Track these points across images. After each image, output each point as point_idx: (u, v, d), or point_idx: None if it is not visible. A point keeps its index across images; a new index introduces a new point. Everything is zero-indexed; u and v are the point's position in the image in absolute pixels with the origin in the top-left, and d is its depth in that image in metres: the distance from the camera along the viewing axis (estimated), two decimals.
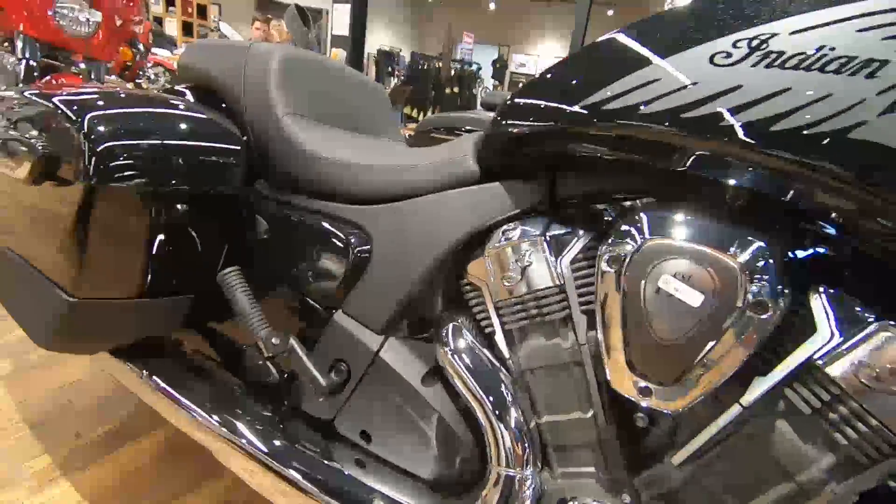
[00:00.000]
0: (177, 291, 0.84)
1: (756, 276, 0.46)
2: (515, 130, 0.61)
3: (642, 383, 0.52)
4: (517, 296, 0.64)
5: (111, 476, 1.08)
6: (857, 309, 0.47)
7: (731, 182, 0.48)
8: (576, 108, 0.55)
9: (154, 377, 0.84)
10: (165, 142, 0.73)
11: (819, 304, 0.48)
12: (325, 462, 0.75)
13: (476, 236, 0.69)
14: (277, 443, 0.77)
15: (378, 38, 14.25)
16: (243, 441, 0.78)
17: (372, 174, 0.76)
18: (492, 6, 15.17)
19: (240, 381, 0.89)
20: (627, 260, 0.51)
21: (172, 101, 0.84)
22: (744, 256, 0.46)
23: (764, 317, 0.46)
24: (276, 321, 0.80)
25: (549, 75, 0.60)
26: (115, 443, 1.17)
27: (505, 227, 0.67)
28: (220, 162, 0.80)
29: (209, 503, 1.05)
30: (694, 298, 0.47)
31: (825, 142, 0.41)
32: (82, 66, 2.32)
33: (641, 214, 0.52)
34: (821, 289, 0.49)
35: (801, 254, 0.52)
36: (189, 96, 0.95)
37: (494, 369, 0.67)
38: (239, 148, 0.82)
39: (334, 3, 6.09)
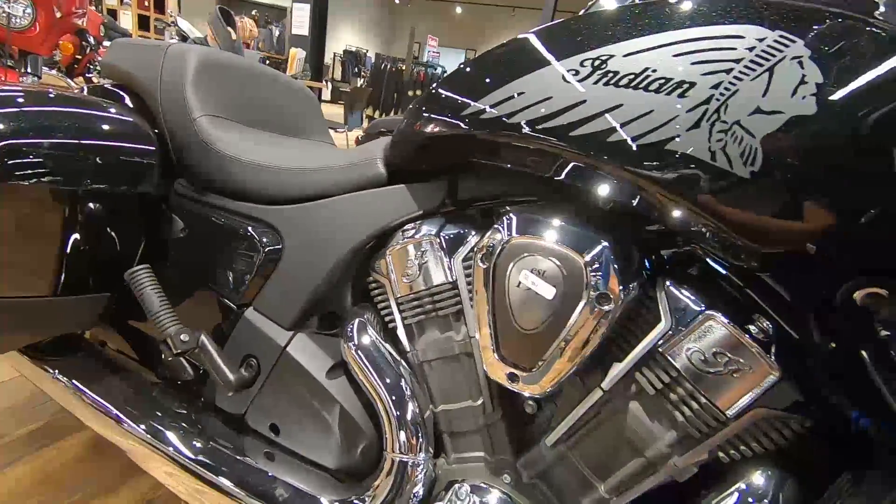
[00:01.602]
0: (91, 290, 0.84)
1: (600, 272, 0.51)
2: (419, 136, 0.65)
3: (509, 370, 0.57)
4: (415, 292, 0.68)
5: (31, 476, 1.06)
6: (692, 301, 0.53)
7: (587, 188, 0.53)
8: (460, 117, 0.59)
9: (65, 377, 0.84)
10: (71, 140, 0.74)
11: (663, 297, 0.54)
12: (237, 458, 0.77)
13: (382, 236, 0.73)
14: (191, 442, 0.79)
15: (346, 39, 14.16)
16: (156, 441, 0.79)
17: (282, 176, 0.79)
18: (458, 10, 15.30)
19: (157, 378, 0.90)
20: (495, 256, 0.56)
21: (87, 101, 0.85)
22: (589, 254, 0.51)
23: (606, 308, 0.51)
24: (190, 318, 0.81)
25: (446, 85, 0.64)
26: (37, 443, 1.15)
27: (406, 227, 0.71)
28: (131, 162, 0.81)
29: (131, 501, 1.05)
30: (548, 291, 0.52)
31: (647, 153, 0.47)
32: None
33: (511, 215, 0.57)
34: (666, 283, 0.55)
35: (649, 253, 0.58)
36: (125, 95, 0.95)
37: (395, 362, 0.70)
38: (152, 148, 0.83)
39: (294, 2, 6.04)
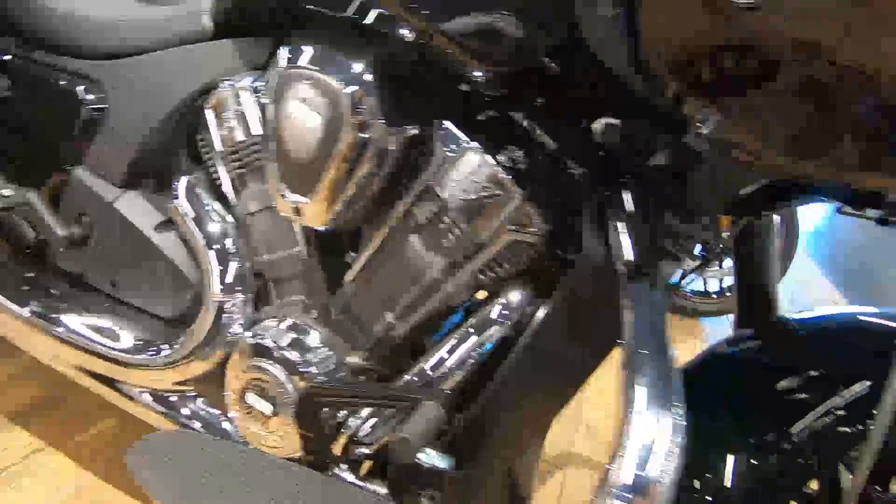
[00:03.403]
0: None
1: (361, 102, 0.53)
2: None
3: (294, 203, 0.60)
4: (234, 145, 0.69)
5: None
6: (460, 136, 0.56)
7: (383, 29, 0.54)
8: None
9: None
10: None
11: (437, 134, 0.57)
12: (85, 313, 0.81)
13: (209, 92, 0.72)
14: (37, 305, 0.81)
15: None
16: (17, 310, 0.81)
17: (104, 28, 0.76)
18: None
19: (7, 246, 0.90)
20: (272, 89, 0.57)
21: None
22: (352, 85, 0.53)
23: (365, 136, 0.54)
24: (23, 181, 0.80)
25: None
26: None
27: (225, 80, 0.70)
28: None
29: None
30: (314, 120, 0.54)
31: None
32: None
33: (291, 46, 0.57)
34: (443, 122, 0.57)
35: (433, 94, 0.60)
36: None
37: (220, 217, 0.73)
38: None
39: None
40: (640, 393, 0.34)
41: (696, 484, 0.52)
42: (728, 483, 0.50)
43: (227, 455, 0.57)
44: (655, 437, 0.34)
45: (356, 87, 0.53)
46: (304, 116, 0.55)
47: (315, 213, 0.59)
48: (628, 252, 0.42)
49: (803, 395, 0.53)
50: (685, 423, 0.34)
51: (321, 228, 0.62)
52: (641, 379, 0.34)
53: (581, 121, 0.52)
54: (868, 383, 0.51)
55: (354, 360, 0.67)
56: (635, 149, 0.50)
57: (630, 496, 0.33)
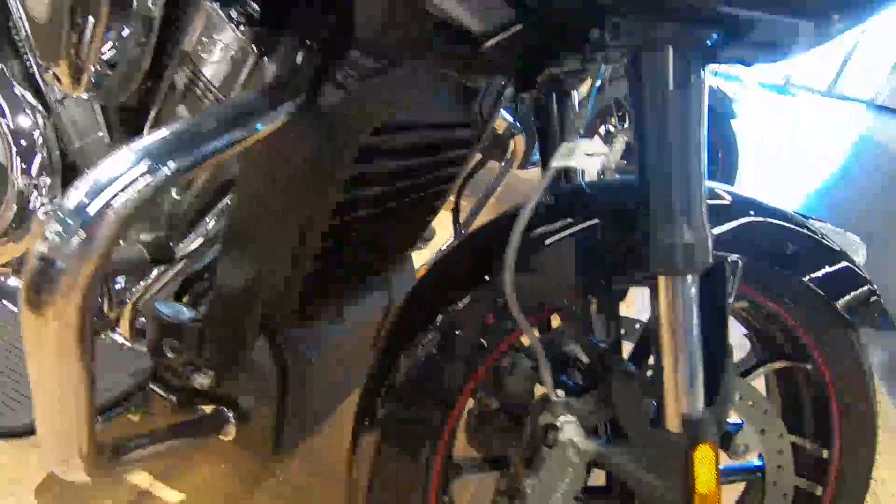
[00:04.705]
0: None
1: None
2: None
3: (52, 71, 0.60)
4: None
5: None
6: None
7: None
8: None
9: None
10: None
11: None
12: None
13: None
14: None
15: None
16: None
17: None
18: None
19: None
20: None
21: None
22: None
23: None
24: None
25: None
26: None
27: None
28: None
29: None
30: None
31: None
32: None
33: None
34: None
35: None
36: None
37: (29, 105, 0.73)
38: None
39: None
40: (141, 144, 0.36)
41: (442, 322, 0.54)
42: (461, 306, 0.52)
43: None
44: (121, 176, 0.35)
45: None
46: None
47: (67, 79, 0.58)
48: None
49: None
50: (160, 178, 0.36)
51: (113, 108, 0.62)
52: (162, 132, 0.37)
53: None
54: (596, 220, 0.52)
55: (149, 238, 0.68)
56: None
57: (70, 221, 0.35)
